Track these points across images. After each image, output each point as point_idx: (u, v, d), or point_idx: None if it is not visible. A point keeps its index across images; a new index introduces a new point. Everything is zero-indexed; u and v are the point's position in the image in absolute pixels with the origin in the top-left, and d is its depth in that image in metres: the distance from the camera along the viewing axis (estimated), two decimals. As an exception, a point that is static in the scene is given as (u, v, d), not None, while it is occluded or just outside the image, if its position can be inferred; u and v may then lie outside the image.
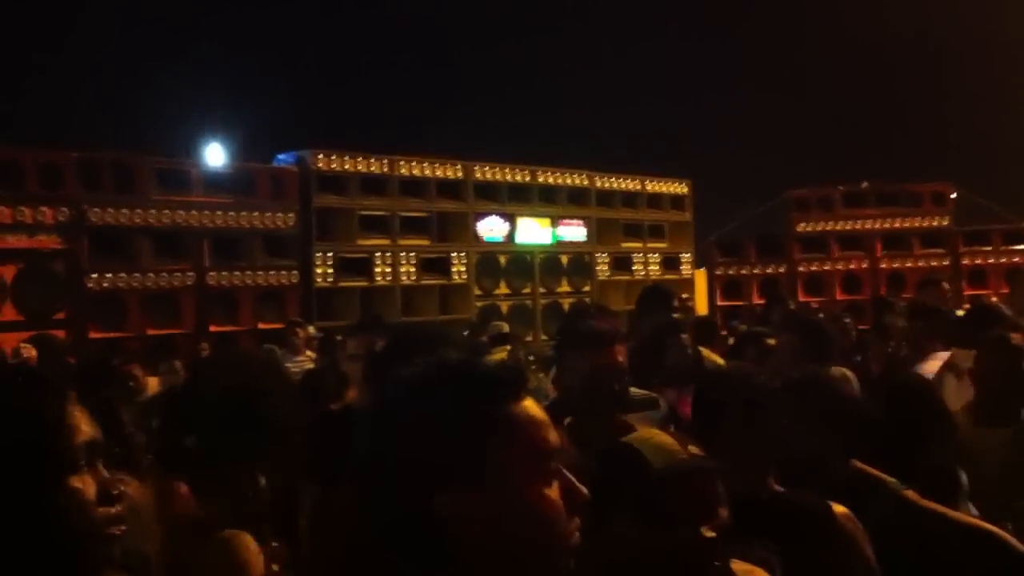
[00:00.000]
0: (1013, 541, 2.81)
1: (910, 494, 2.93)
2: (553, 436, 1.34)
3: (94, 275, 11.43)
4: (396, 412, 1.35)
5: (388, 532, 1.31)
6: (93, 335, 11.16)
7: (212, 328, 12.18)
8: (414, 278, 14.21)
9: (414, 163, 14.50)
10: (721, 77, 23.67)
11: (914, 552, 2.72)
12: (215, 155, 13.53)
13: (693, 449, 2.01)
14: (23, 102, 18.26)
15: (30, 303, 10.84)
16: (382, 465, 1.32)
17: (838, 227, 18.15)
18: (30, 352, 5.99)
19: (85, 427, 1.38)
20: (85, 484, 1.34)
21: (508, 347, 8.00)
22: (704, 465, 2.00)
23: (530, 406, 1.34)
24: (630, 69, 23.96)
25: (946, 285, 10.17)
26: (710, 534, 1.91)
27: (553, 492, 1.31)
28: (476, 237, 15.09)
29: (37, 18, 19.67)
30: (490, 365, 1.44)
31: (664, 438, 2.05)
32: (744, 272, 17.94)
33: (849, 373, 4.87)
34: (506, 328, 10.66)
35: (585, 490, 1.35)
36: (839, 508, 2.56)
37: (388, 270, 13.91)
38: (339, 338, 8.87)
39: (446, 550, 1.26)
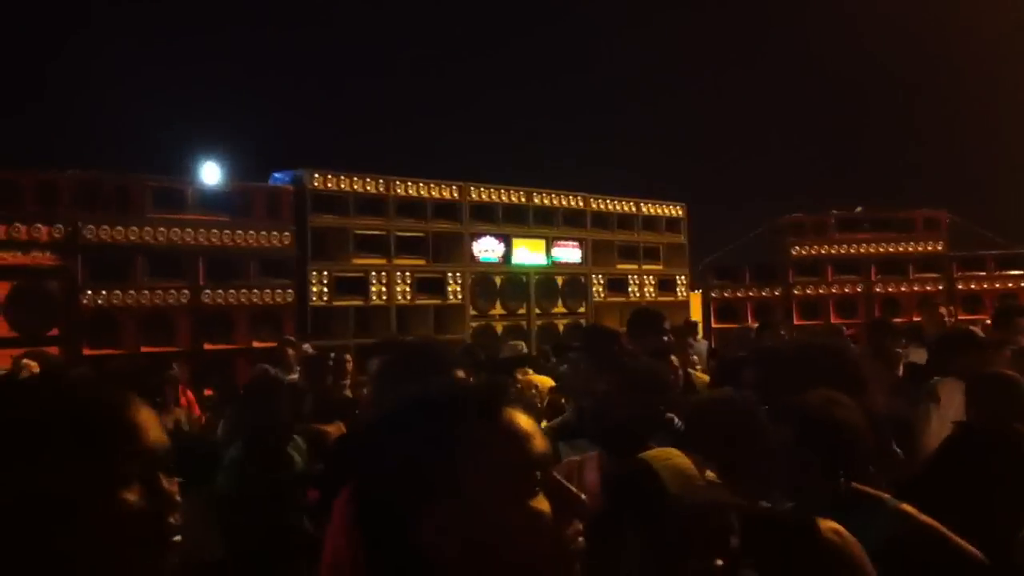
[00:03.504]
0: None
1: (908, 509, 2.95)
2: (538, 446, 1.35)
3: (89, 293, 11.39)
4: (376, 437, 1.41)
5: (374, 554, 1.34)
6: (87, 352, 11.10)
7: (207, 346, 12.14)
8: (409, 298, 14.20)
9: (410, 183, 14.52)
10: (718, 101, 23.78)
11: (919, 567, 2.74)
12: (211, 174, 13.49)
13: (710, 475, 1.98)
14: (20, 121, 18.24)
15: (24, 320, 10.79)
16: (367, 489, 1.37)
17: (833, 251, 18.23)
18: (33, 368, 5.94)
19: (146, 434, 1.34)
20: (136, 495, 1.29)
21: (528, 368, 7.99)
22: (723, 500, 1.97)
23: (510, 420, 1.36)
24: (627, 92, 24.06)
25: (943, 309, 10.19)
26: (720, 563, 1.90)
27: (539, 503, 1.31)
28: (472, 257, 15.10)
29: (34, 37, 19.68)
30: (461, 385, 1.50)
31: (682, 461, 2.02)
32: (739, 295, 17.98)
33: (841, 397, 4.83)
34: (523, 347, 10.61)
35: (579, 494, 1.36)
36: (827, 523, 2.55)
37: (384, 289, 13.90)
38: (335, 356, 8.85)
39: (429, 571, 1.28)
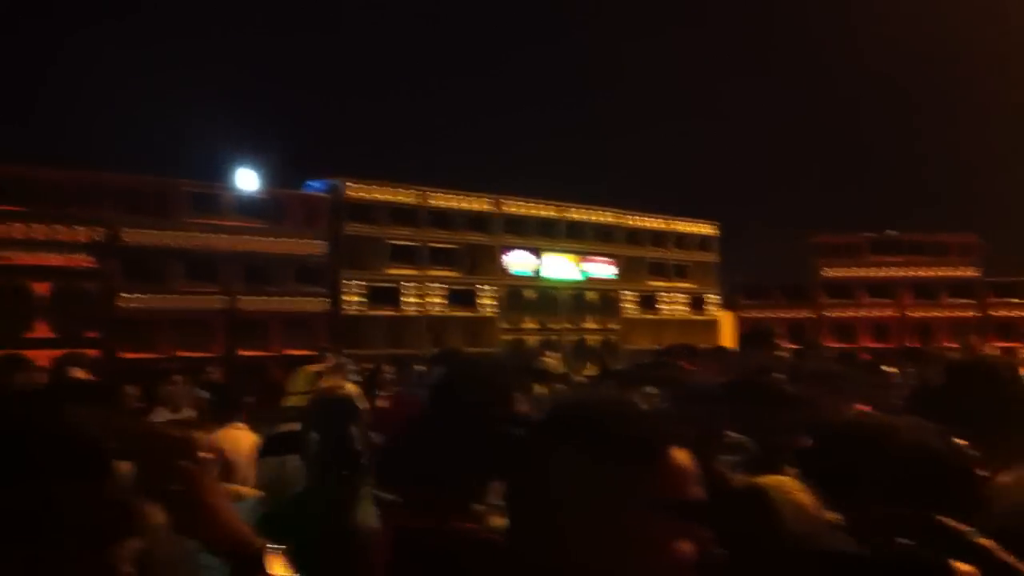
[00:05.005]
0: None
1: (988, 543, 2.84)
2: (696, 490, 1.29)
3: (126, 296, 11.49)
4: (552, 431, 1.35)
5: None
6: (123, 355, 11.18)
7: (241, 352, 12.21)
8: (441, 309, 14.26)
9: (444, 195, 14.60)
10: (751, 121, 23.79)
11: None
12: (247, 180, 13.61)
13: (830, 516, 1.80)
14: (63, 126, 18.51)
15: (62, 321, 10.90)
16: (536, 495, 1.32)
17: (865, 274, 18.13)
18: (81, 374, 5.94)
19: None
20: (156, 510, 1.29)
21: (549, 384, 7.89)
22: (846, 550, 1.77)
23: (680, 456, 1.31)
24: (663, 110, 24.13)
25: (973, 339, 10.03)
26: None
27: (685, 546, 1.26)
28: (504, 270, 15.14)
29: (77, 46, 19.97)
30: (648, 417, 1.42)
31: (803, 497, 1.82)
32: (769, 315, 17.90)
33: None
34: (553, 364, 10.25)
35: (720, 551, 1.29)
36: (963, 567, 2.37)
37: (416, 300, 13.97)
38: (375, 367, 8.86)
39: None
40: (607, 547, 1.25)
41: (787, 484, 2.00)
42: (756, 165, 22.02)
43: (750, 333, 6.22)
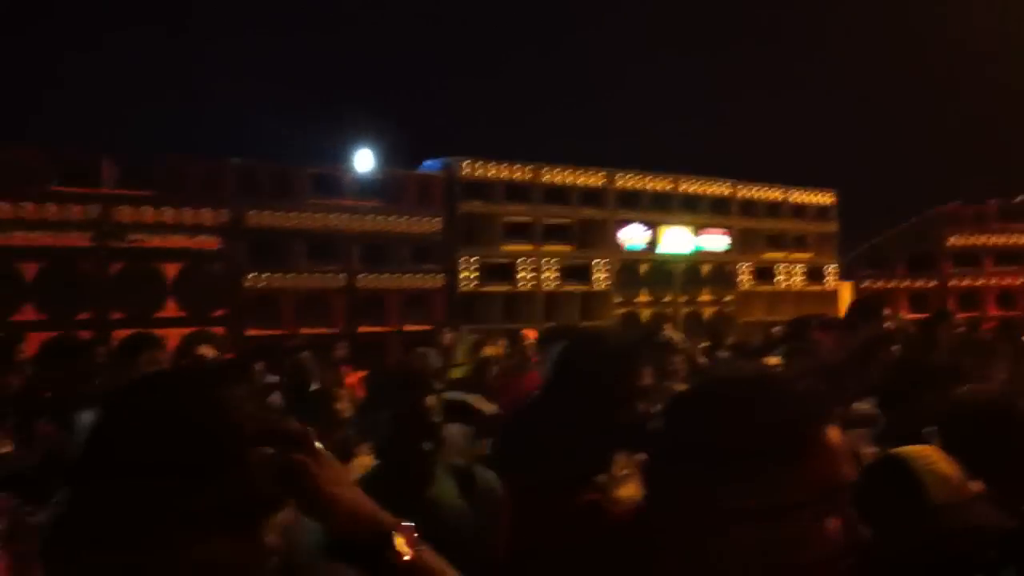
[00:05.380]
0: None
1: None
2: (849, 468, 1.29)
3: (251, 275, 11.87)
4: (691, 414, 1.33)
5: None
6: (248, 333, 11.58)
7: (360, 329, 12.50)
8: (556, 284, 14.33)
9: (557, 171, 14.62)
10: (869, 85, 23.14)
11: None
12: (365, 161, 13.86)
13: (974, 486, 1.82)
14: (187, 112, 19.13)
15: (191, 301, 11.33)
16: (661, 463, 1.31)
17: (992, 241, 17.54)
18: (208, 353, 6.22)
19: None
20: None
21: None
22: (990, 519, 1.74)
23: (833, 434, 1.29)
24: (777, 77, 23.64)
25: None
26: None
27: (834, 527, 1.25)
28: (617, 245, 15.12)
29: (198, 32, 20.57)
30: (803, 386, 1.35)
31: (947, 468, 1.81)
32: (892, 285, 17.48)
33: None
34: (676, 338, 9.96)
35: (866, 532, 1.28)
36: None
37: (531, 276, 14.07)
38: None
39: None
40: (752, 530, 1.28)
41: (928, 453, 1.92)
42: (877, 131, 21.38)
43: (857, 305, 6.05)
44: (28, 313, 10.32)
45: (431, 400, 2.73)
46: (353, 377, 9.10)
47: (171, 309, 11.18)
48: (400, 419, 2.75)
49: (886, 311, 5.91)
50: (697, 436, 1.29)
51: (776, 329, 9.94)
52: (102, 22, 19.82)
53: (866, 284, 17.65)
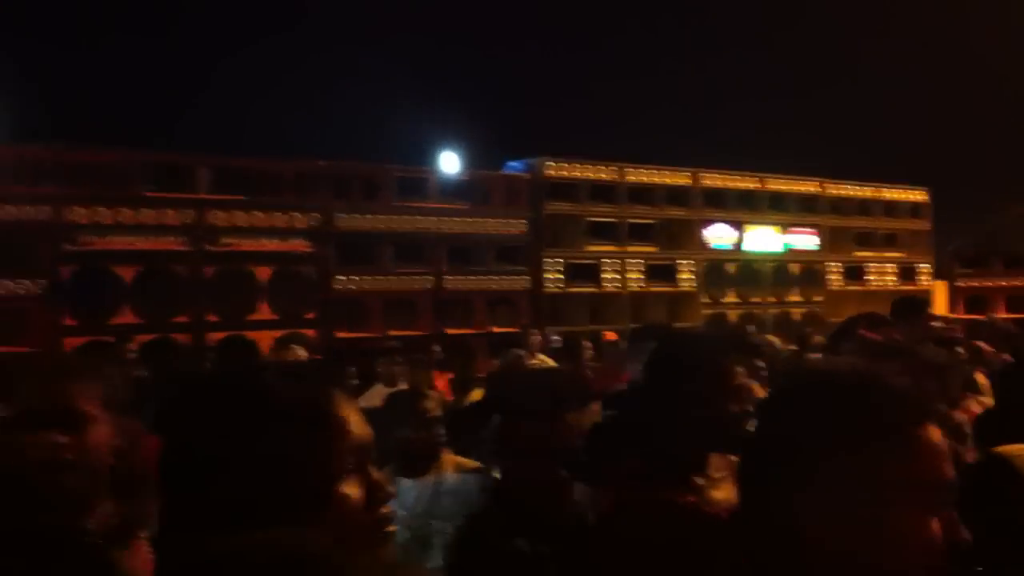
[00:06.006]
0: None
1: None
2: (950, 468, 1.25)
3: (340, 277, 12.05)
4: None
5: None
6: (338, 334, 11.73)
7: (447, 331, 12.59)
8: (642, 285, 14.27)
9: (642, 170, 14.56)
10: (966, 80, 22.55)
11: None
12: (450, 163, 13.95)
13: None
14: (277, 115, 19.49)
15: (282, 303, 11.52)
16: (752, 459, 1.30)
17: (1095, 239, 16.98)
18: (299, 354, 6.34)
19: (356, 428, 1.31)
20: (355, 488, 1.28)
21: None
22: None
23: (934, 433, 1.26)
24: (866, 74, 23.20)
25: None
26: None
27: (934, 529, 1.22)
28: (703, 244, 15.00)
29: (288, 38, 20.94)
30: (901, 383, 1.33)
31: None
32: (988, 284, 17.02)
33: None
34: (770, 339, 9.63)
35: (967, 533, 1.25)
36: None
37: (616, 276, 14.03)
38: (570, 342, 9.03)
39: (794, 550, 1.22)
40: (849, 530, 1.26)
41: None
42: (973, 127, 20.84)
43: (900, 304, 5.82)
44: (127, 316, 10.62)
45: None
46: (441, 379, 9.15)
47: (263, 311, 11.39)
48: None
49: (930, 310, 5.70)
50: (796, 434, 1.27)
51: (817, 338, 9.64)
52: (188, 26, 20.31)
53: (961, 283, 17.23)
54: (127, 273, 10.72)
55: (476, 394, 6.50)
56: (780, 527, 1.24)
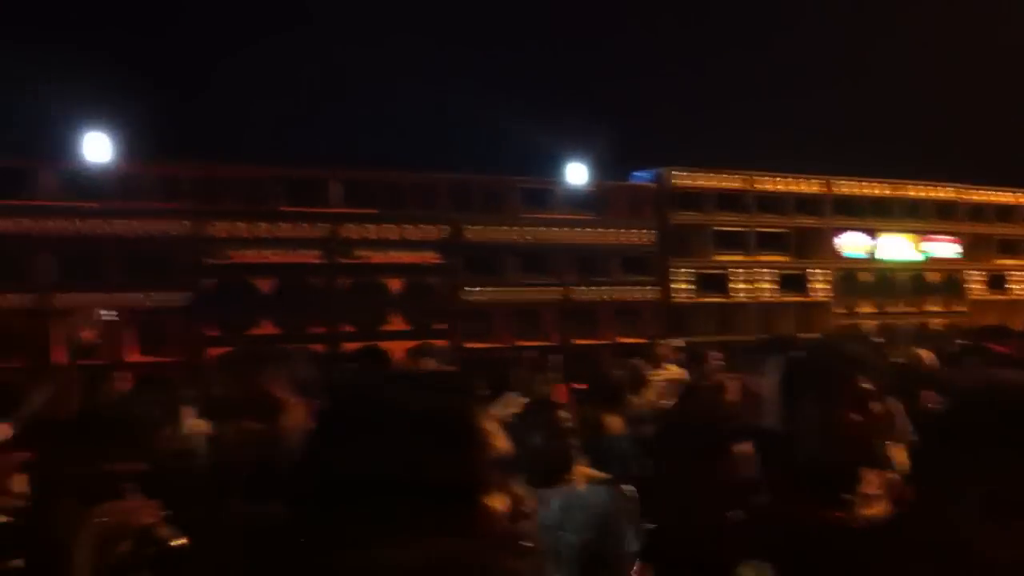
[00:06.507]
0: None
1: None
2: None
3: (468, 289, 12.19)
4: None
5: None
6: (467, 345, 11.86)
7: (575, 341, 12.60)
8: (771, 294, 14.03)
9: (771, 178, 14.34)
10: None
11: None
12: (576, 174, 14.00)
13: None
14: (395, 128, 19.89)
15: (414, 314, 11.72)
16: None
17: None
18: (431, 363, 6.40)
19: (498, 440, 1.35)
20: (498, 501, 1.30)
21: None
22: None
23: None
24: (1000, 75, 22.36)
25: None
26: None
27: None
28: (836, 253, 14.68)
29: (408, 54, 21.37)
30: None
31: None
32: None
33: None
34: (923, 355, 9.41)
35: None
36: None
37: (745, 286, 13.84)
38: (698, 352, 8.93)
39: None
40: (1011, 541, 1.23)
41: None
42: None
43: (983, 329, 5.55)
44: (266, 327, 10.95)
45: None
46: (563, 390, 9.13)
47: (396, 322, 11.59)
48: None
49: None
50: (968, 448, 1.26)
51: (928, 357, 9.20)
52: (308, 41, 20.89)
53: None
54: (264, 285, 11.07)
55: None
56: (937, 543, 1.23)
